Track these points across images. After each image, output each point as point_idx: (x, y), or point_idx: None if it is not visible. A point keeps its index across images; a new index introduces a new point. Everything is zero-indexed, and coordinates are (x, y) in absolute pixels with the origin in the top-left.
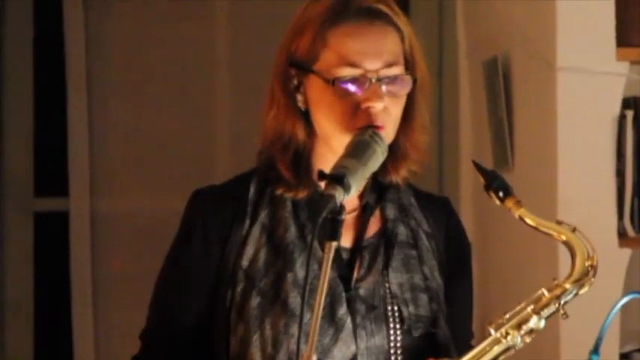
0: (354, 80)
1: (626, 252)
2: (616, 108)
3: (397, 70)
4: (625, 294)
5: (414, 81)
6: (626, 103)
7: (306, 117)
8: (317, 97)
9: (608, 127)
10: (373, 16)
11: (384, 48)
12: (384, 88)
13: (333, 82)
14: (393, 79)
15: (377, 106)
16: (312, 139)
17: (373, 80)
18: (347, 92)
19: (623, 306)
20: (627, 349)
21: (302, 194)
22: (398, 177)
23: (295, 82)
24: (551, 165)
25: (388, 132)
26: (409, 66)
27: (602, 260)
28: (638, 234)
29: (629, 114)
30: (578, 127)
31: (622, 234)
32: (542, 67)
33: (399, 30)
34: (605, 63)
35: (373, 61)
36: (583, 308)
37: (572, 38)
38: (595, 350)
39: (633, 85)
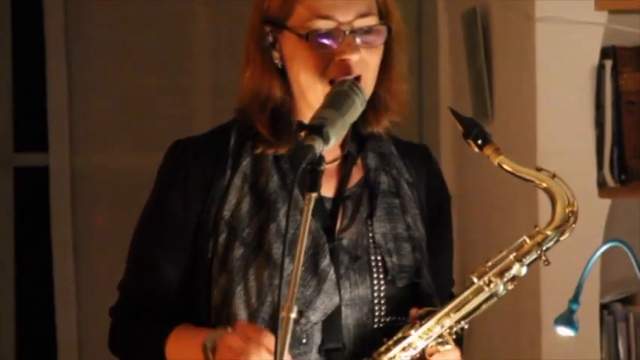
0: (327, 33)
1: (606, 202)
2: (595, 58)
3: (371, 20)
4: (604, 243)
5: (389, 30)
6: (605, 52)
7: (283, 74)
8: (292, 53)
9: (587, 77)
10: None
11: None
12: (358, 39)
13: (307, 37)
14: (367, 30)
15: (352, 57)
16: (291, 96)
17: (347, 32)
18: (321, 45)
19: (603, 257)
20: (607, 299)
21: (282, 150)
22: (379, 127)
23: (270, 39)
24: (531, 116)
25: (367, 82)
26: (383, 16)
27: (581, 210)
28: (618, 184)
29: (608, 63)
30: (557, 77)
31: (601, 184)
32: (521, 18)
33: None
34: (584, 13)
35: (345, 12)
36: (563, 258)
37: None
38: (575, 299)
39: (612, 35)
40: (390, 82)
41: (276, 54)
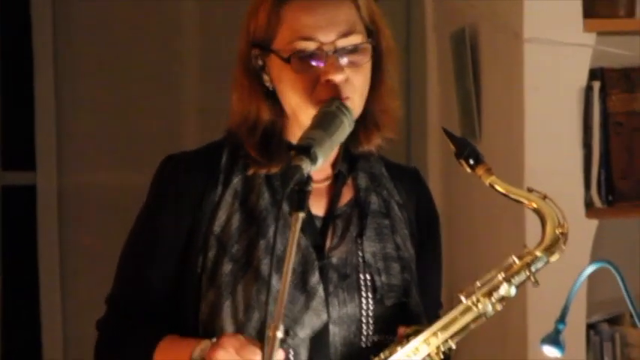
0: (311, 55)
1: (593, 222)
2: (583, 79)
3: (355, 39)
4: (591, 263)
5: (377, 48)
6: (593, 74)
7: (274, 96)
8: (279, 76)
9: (575, 98)
10: None
11: (337, 19)
12: (344, 59)
13: (289, 59)
14: (352, 50)
15: (337, 78)
16: (282, 117)
17: (330, 52)
18: (306, 67)
19: (590, 277)
20: (594, 319)
21: (274, 170)
22: (370, 146)
23: (260, 62)
24: (518, 136)
25: (354, 102)
26: (371, 33)
27: (569, 231)
28: (605, 204)
29: (596, 85)
30: (545, 98)
31: (589, 204)
32: (510, 39)
33: (353, 0)
34: (572, 34)
35: (327, 33)
36: (550, 278)
37: (539, 9)
38: (561, 319)
39: (600, 57)
40: (381, 99)
41: (266, 77)
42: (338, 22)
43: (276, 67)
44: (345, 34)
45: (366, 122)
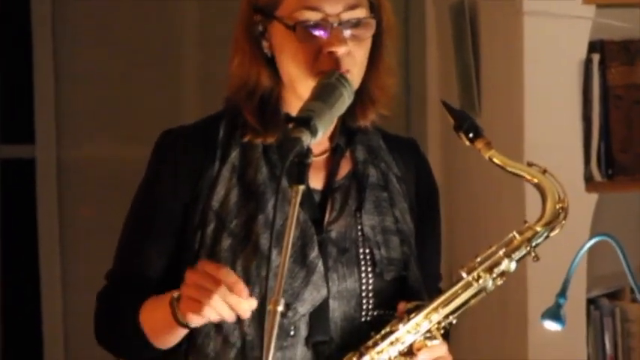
0: (315, 25)
1: (593, 196)
2: (582, 52)
3: (360, 12)
4: (591, 237)
5: (378, 24)
6: (592, 46)
7: (272, 63)
8: (280, 43)
9: (575, 71)
10: None
11: None
12: (347, 32)
13: (295, 28)
14: (356, 23)
15: (340, 50)
16: (279, 85)
17: (335, 24)
18: (309, 37)
19: (590, 252)
20: (594, 294)
21: (270, 139)
22: (366, 121)
23: (260, 28)
24: (518, 110)
25: (354, 75)
26: (374, 8)
27: (569, 205)
28: (605, 178)
29: (596, 57)
30: (545, 71)
31: (589, 178)
32: (509, 11)
33: None
34: (572, 6)
35: (333, 4)
36: (550, 253)
37: None
38: (562, 293)
39: (599, 29)
40: (379, 75)
41: (265, 43)
42: None
43: (278, 35)
44: (351, 7)
45: (362, 97)
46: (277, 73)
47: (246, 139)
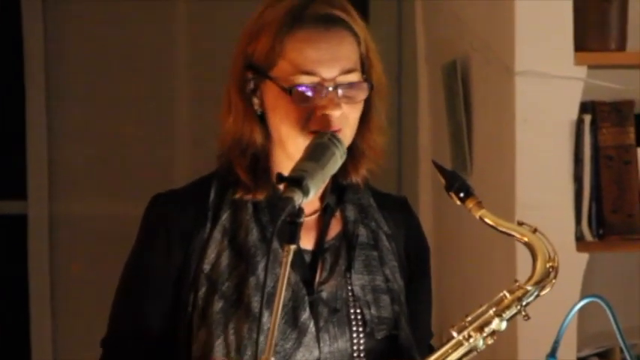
0: (311, 89)
1: (584, 256)
2: (574, 112)
3: (354, 76)
4: (582, 298)
5: (370, 85)
6: (584, 107)
7: (262, 120)
8: (273, 103)
9: (566, 132)
10: (330, 22)
11: (341, 54)
12: (340, 92)
13: (291, 91)
14: (350, 85)
15: (334, 113)
16: (269, 142)
17: (330, 88)
18: (304, 99)
19: (581, 310)
20: (584, 353)
21: (260, 196)
22: (357, 177)
23: (252, 85)
24: (509, 169)
25: (346, 135)
26: (365, 69)
27: (560, 265)
28: (596, 238)
29: (587, 118)
30: (536, 131)
31: (580, 238)
32: (501, 71)
33: (355, 35)
34: (563, 67)
35: (330, 68)
36: (541, 312)
37: (531, 42)
38: (552, 353)
39: (591, 90)
40: (369, 134)
41: (256, 100)
42: (340, 58)
43: (270, 94)
44: (347, 72)
45: (353, 154)
46: (267, 131)
47: (237, 197)
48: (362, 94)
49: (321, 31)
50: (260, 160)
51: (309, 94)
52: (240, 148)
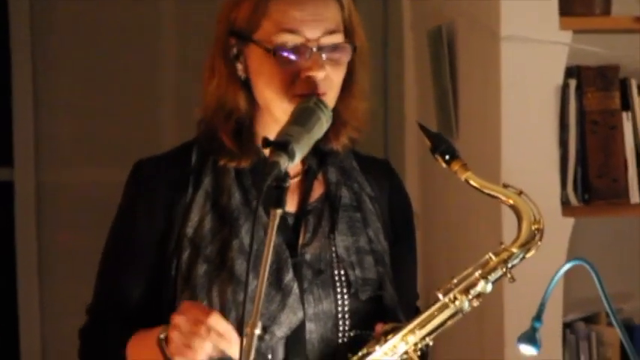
0: (294, 49)
1: (569, 221)
2: (559, 77)
3: (338, 38)
4: (567, 262)
5: (352, 49)
6: (569, 72)
7: (246, 86)
8: (257, 66)
9: (552, 97)
10: None
11: (324, 16)
12: (324, 55)
13: (274, 52)
14: (333, 47)
15: (318, 75)
16: (254, 108)
17: (314, 49)
18: (288, 61)
19: (566, 276)
20: (570, 318)
21: (245, 163)
22: (338, 144)
23: (235, 51)
24: (495, 134)
25: (330, 98)
26: (348, 33)
27: (545, 229)
28: (581, 203)
29: (572, 83)
30: (522, 96)
31: (565, 203)
32: (486, 37)
33: (338, 0)
34: (549, 32)
35: (313, 28)
36: (527, 276)
37: (516, 7)
38: (537, 317)
39: (576, 55)
40: (350, 99)
41: (240, 66)
42: (324, 19)
43: (254, 58)
44: (330, 32)
45: (334, 120)
46: (252, 95)
47: (220, 164)
48: (345, 56)
49: None
50: (245, 127)
51: (293, 55)
52: (224, 113)
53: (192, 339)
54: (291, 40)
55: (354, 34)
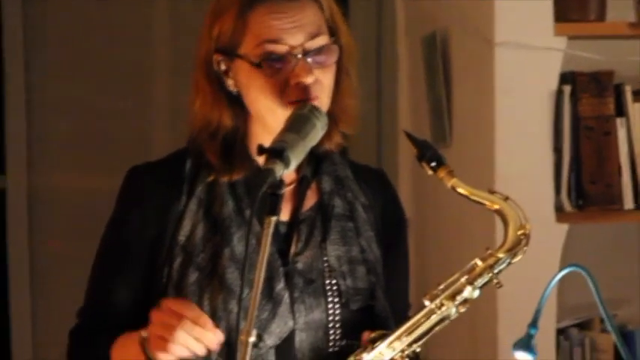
0: (280, 58)
1: (563, 227)
2: (553, 83)
3: (322, 40)
4: (563, 268)
5: (339, 48)
6: (564, 78)
7: (237, 100)
8: (247, 80)
9: (546, 103)
10: None
11: (304, 21)
12: (310, 60)
13: (260, 64)
14: (319, 50)
15: (307, 80)
16: (246, 121)
17: (299, 55)
18: (275, 71)
19: (561, 282)
20: (564, 324)
21: (236, 176)
22: (331, 144)
23: (223, 67)
24: (489, 141)
25: (323, 101)
26: (333, 32)
27: (539, 235)
28: (575, 209)
29: (567, 89)
30: (516, 102)
31: (559, 209)
32: (480, 43)
33: (316, 1)
34: (543, 38)
35: (295, 35)
36: (521, 283)
37: (510, 13)
38: (533, 324)
39: (570, 60)
40: (340, 97)
41: (230, 81)
42: (304, 24)
43: (242, 72)
44: (313, 36)
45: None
46: (243, 110)
47: (210, 179)
48: (332, 57)
49: (281, 3)
50: (235, 142)
51: (279, 66)
52: (209, 131)
53: (166, 330)
54: (274, 49)
55: (338, 32)
